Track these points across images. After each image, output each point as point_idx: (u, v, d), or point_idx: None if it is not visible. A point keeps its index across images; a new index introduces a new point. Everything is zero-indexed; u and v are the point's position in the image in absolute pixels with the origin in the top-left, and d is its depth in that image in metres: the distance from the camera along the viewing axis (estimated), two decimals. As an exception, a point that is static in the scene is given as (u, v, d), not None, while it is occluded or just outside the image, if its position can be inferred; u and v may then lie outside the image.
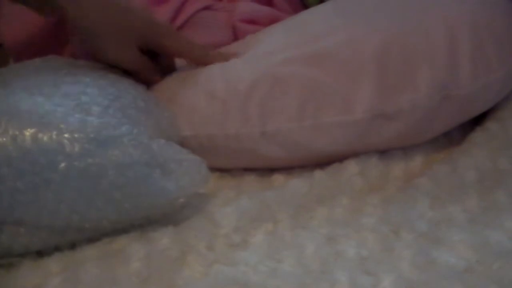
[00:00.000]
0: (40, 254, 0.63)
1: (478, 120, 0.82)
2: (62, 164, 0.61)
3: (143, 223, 0.66)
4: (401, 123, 0.75)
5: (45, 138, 0.61)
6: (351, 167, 0.74)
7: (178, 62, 0.84)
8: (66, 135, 0.62)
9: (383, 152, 0.77)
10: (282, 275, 0.58)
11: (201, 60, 0.81)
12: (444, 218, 0.65)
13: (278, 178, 0.77)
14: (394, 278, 0.57)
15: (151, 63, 0.81)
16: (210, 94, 0.76)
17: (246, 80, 0.76)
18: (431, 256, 0.60)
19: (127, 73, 0.79)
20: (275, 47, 0.78)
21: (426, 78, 0.75)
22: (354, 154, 0.76)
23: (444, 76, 0.75)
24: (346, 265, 0.59)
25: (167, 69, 0.83)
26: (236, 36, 0.86)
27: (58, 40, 0.89)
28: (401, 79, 0.75)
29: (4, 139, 0.60)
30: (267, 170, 0.78)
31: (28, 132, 0.61)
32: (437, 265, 0.59)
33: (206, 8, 0.89)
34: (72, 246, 0.64)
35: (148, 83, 0.80)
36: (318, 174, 0.73)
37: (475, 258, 0.60)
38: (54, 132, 0.62)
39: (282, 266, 0.60)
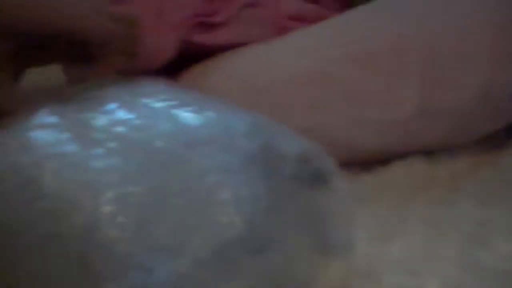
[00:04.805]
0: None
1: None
2: None
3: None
4: (446, 123, 0.75)
5: None
6: (397, 168, 0.74)
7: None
8: None
9: (428, 153, 0.77)
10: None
11: None
12: (490, 220, 0.65)
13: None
14: (440, 280, 0.57)
15: None
16: (249, 87, 0.77)
17: (290, 75, 0.76)
18: (477, 258, 0.60)
19: None
20: (320, 45, 0.78)
21: (471, 78, 0.74)
22: (399, 155, 0.76)
23: (490, 76, 0.75)
24: (392, 267, 0.59)
25: None
26: (280, 34, 0.86)
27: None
28: (446, 79, 0.74)
29: None
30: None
31: None
32: (483, 268, 0.59)
33: (250, 5, 0.89)
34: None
35: None
36: (364, 175, 0.73)
37: (522, 261, 0.59)
38: None
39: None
